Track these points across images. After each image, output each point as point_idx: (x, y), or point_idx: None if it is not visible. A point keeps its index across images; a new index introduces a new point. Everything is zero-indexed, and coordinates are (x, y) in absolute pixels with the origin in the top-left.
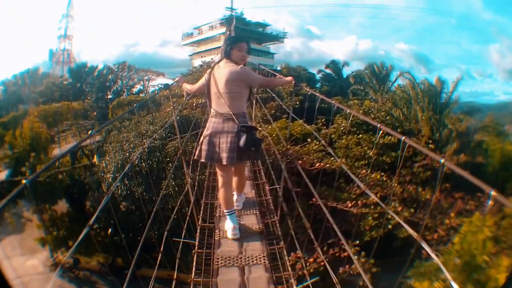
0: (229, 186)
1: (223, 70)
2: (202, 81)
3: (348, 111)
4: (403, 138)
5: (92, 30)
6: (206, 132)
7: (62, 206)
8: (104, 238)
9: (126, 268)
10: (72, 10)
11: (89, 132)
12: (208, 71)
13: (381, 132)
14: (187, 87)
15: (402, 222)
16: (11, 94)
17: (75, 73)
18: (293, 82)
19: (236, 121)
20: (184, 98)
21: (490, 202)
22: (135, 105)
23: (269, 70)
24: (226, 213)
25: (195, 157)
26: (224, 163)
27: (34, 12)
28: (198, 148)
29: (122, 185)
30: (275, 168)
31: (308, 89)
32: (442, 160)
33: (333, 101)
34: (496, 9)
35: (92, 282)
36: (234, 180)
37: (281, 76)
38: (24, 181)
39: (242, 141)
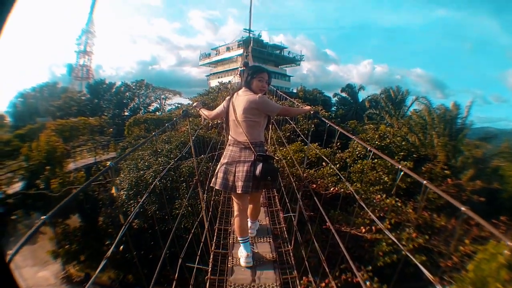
0: (244, 214)
1: (241, 98)
2: (220, 108)
3: (353, 137)
4: (425, 182)
5: (112, 47)
6: (223, 160)
7: (74, 220)
8: (116, 255)
9: (136, 284)
10: (92, 27)
11: (107, 164)
12: (227, 98)
13: (402, 173)
14: (205, 113)
15: (419, 265)
16: (29, 106)
17: (93, 88)
18: (311, 112)
19: (253, 150)
20: (202, 121)
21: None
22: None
23: (286, 96)
24: (240, 241)
25: (211, 185)
26: (239, 192)
27: (55, 26)
28: (215, 176)
29: (135, 203)
30: (289, 191)
31: (324, 119)
32: (425, 182)
33: (337, 127)
34: None
35: None
36: (249, 207)
37: (299, 104)
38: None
39: (258, 170)
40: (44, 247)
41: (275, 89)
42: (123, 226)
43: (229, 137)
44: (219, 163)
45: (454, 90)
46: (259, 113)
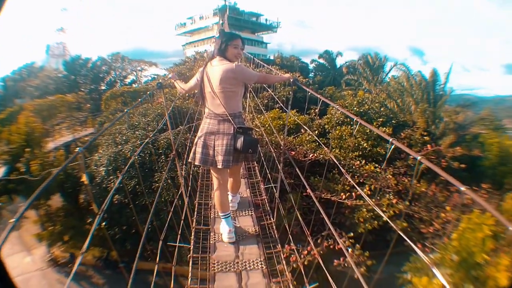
0: (224, 188)
1: (217, 68)
2: (194, 80)
3: (337, 106)
4: (419, 157)
5: (88, 24)
6: (200, 133)
7: (56, 200)
8: (99, 232)
9: (121, 261)
10: (69, 4)
11: (76, 150)
12: (200, 69)
13: (393, 146)
14: (180, 85)
15: (399, 232)
16: (9, 89)
17: (69, 65)
18: (291, 80)
19: (232, 122)
20: (178, 93)
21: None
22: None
23: (263, 64)
24: (222, 216)
25: (189, 160)
26: (220, 167)
27: (36, 9)
28: (192, 150)
29: (115, 178)
30: (269, 160)
31: (305, 87)
32: (419, 157)
33: (318, 95)
34: (498, 3)
35: (88, 276)
36: (230, 181)
37: (277, 72)
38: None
39: (239, 144)
40: (29, 230)
41: (252, 56)
42: (102, 206)
43: (206, 109)
44: (196, 137)
45: (432, 58)
46: (237, 82)
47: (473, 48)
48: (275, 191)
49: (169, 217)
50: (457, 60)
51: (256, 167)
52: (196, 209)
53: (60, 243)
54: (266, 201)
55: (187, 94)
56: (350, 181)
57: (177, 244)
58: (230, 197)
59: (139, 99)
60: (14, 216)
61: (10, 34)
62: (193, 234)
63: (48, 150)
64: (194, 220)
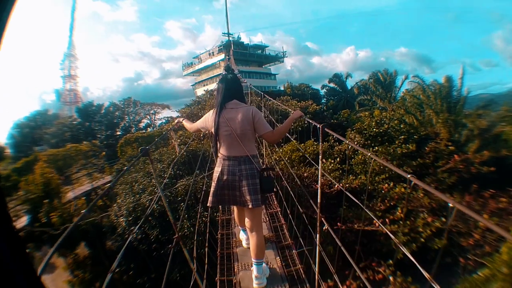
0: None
1: (235, 111)
2: (202, 121)
3: (346, 141)
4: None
5: (96, 69)
6: (221, 176)
7: (83, 250)
8: (128, 279)
9: None
10: (74, 50)
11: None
12: (212, 112)
13: (412, 183)
14: (187, 125)
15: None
16: (25, 136)
17: (82, 112)
18: (303, 117)
19: (254, 163)
20: (192, 135)
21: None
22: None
23: (272, 99)
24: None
25: (208, 204)
26: (250, 207)
27: (39, 53)
28: (211, 194)
29: (137, 229)
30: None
31: (309, 120)
32: (409, 176)
33: (344, 139)
34: None
35: None
36: (252, 240)
37: (288, 109)
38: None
39: (265, 185)
40: (61, 275)
41: (262, 93)
42: (121, 251)
43: (221, 152)
44: (214, 179)
45: (441, 63)
46: (252, 125)
47: (479, 46)
48: (315, 269)
49: (194, 262)
50: (466, 61)
51: (284, 226)
52: (219, 260)
53: None
54: (302, 270)
55: (202, 135)
56: (381, 206)
57: None
58: (254, 270)
59: (156, 139)
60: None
61: (14, 75)
62: (218, 285)
63: (68, 200)
64: (218, 271)
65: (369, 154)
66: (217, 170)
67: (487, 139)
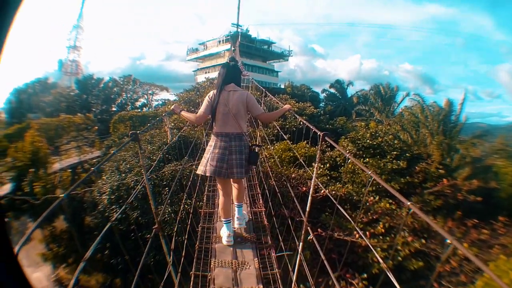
0: (228, 197)
1: (233, 94)
2: (206, 103)
3: (347, 155)
4: (409, 203)
5: (101, 42)
6: (214, 149)
7: (61, 223)
8: (103, 258)
9: None
10: (82, 22)
11: (92, 162)
12: (212, 93)
13: (411, 211)
14: (188, 116)
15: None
16: (22, 102)
17: (82, 84)
18: (291, 111)
19: (245, 140)
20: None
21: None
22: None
23: (271, 95)
24: (223, 221)
25: (199, 172)
26: (235, 177)
27: (48, 22)
28: (203, 164)
29: (118, 208)
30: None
31: (302, 119)
32: (409, 203)
33: (336, 145)
34: (508, 30)
35: None
36: (234, 191)
37: (283, 104)
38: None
39: (252, 158)
40: (36, 248)
41: (263, 89)
42: (100, 234)
43: (216, 129)
44: (207, 152)
45: (443, 85)
46: (246, 107)
47: (484, 75)
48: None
49: (171, 254)
50: (468, 88)
51: (267, 227)
52: (196, 254)
53: (64, 265)
54: (279, 275)
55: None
56: (363, 217)
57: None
58: (236, 213)
59: (148, 125)
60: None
61: (21, 45)
62: (192, 279)
63: (53, 171)
64: (193, 266)
65: (369, 172)
66: (210, 144)
67: (478, 168)
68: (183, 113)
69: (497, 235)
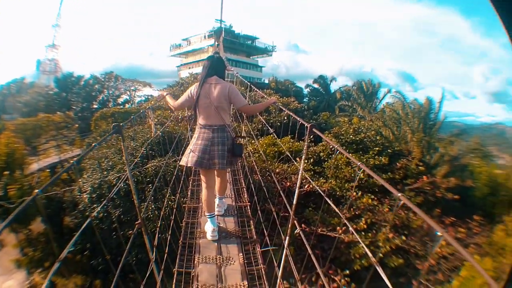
0: (211, 190)
1: (215, 86)
2: (185, 96)
3: (335, 146)
4: (400, 195)
5: (81, 41)
6: (196, 141)
7: (39, 225)
8: (82, 260)
9: None
10: (60, 20)
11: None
12: (194, 86)
13: (402, 202)
14: (170, 102)
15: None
16: None
17: (61, 82)
18: (276, 104)
19: (229, 131)
20: (169, 117)
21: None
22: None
23: (256, 89)
24: (207, 216)
25: (182, 163)
26: (217, 168)
27: (25, 21)
28: (187, 155)
29: (98, 207)
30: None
31: (288, 111)
32: (399, 194)
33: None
34: (483, 32)
35: None
36: (217, 183)
37: (267, 97)
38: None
39: (236, 150)
40: (9, 254)
41: (248, 83)
42: (76, 235)
43: (199, 121)
44: (191, 144)
45: (422, 84)
46: (229, 100)
47: (460, 76)
48: (273, 256)
49: (154, 251)
50: (446, 87)
51: (251, 222)
52: (179, 250)
53: (41, 270)
54: (264, 270)
55: (180, 116)
56: (346, 213)
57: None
58: (217, 201)
59: (132, 117)
60: None
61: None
62: (175, 276)
63: (31, 172)
64: (177, 262)
65: (359, 164)
66: (194, 136)
67: (456, 166)
68: (167, 97)
69: (472, 234)
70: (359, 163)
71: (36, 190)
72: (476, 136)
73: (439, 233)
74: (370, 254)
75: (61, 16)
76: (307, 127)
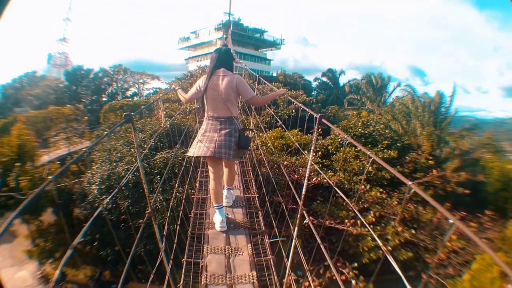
0: (219, 182)
1: (223, 78)
2: (194, 89)
3: (345, 136)
4: (410, 183)
5: (91, 34)
6: (204, 132)
7: (49, 216)
8: (91, 251)
9: (113, 282)
10: (71, 14)
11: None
12: (203, 78)
13: (412, 191)
14: (182, 94)
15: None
16: (9, 98)
17: (71, 75)
18: (285, 95)
19: (237, 123)
20: (178, 109)
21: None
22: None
23: (266, 81)
24: (216, 207)
25: (190, 154)
26: (222, 157)
27: (37, 17)
28: (195, 146)
29: (109, 197)
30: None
31: (297, 103)
32: (410, 183)
33: (332, 125)
34: (498, 26)
35: None
36: (225, 174)
37: (273, 87)
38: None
39: (243, 141)
40: (22, 244)
41: (257, 75)
42: (88, 223)
43: (208, 112)
44: (198, 134)
45: (433, 78)
46: (236, 91)
47: (472, 70)
48: (281, 246)
49: (164, 241)
50: (457, 81)
51: (260, 213)
52: (188, 241)
53: (52, 260)
54: (272, 261)
55: (188, 109)
56: (355, 207)
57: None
58: (225, 192)
59: (142, 107)
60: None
61: (11, 41)
62: (184, 266)
63: (41, 163)
64: (186, 253)
65: (368, 153)
66: (202, 127)
67: (467, 161)
68: (178, 91)
69: (484, 229)
70: (368, 152)
71: (50, 177)
72: (489, 130)
73: (451, 221)
74: (380, 243)
75: (72, 10)
76: (316, 117)
